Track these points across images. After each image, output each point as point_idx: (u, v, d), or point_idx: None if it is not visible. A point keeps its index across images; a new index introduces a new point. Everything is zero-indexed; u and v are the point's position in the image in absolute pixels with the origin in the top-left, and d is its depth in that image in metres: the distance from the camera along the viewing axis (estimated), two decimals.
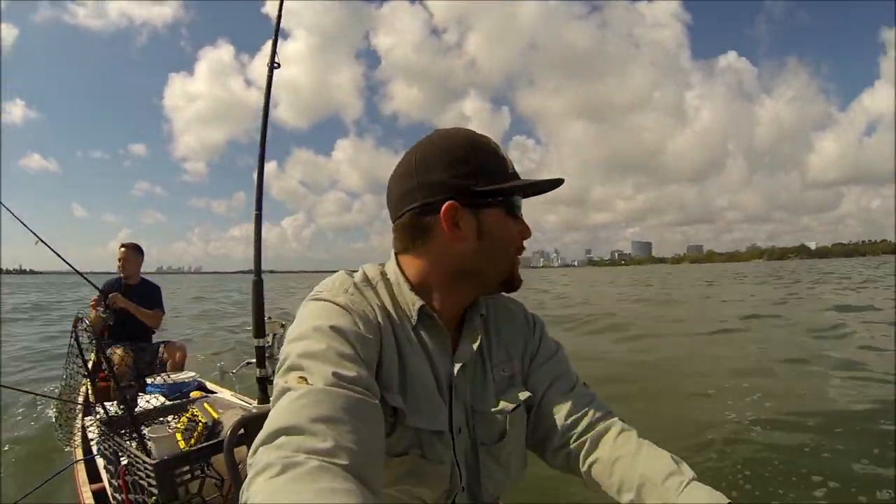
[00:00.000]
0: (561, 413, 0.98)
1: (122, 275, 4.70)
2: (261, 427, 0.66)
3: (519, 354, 1.05)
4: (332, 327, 0.79)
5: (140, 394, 3.19)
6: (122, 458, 2.03)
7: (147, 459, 1.75)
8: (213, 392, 3.46)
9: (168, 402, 2.61)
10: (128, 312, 4.45)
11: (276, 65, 2.50)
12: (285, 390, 0.70)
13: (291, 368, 0.74)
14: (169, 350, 4.54)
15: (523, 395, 1.00)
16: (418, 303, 0.92)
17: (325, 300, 0.87)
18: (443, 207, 0.89)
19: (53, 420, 3.53)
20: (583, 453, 0.95)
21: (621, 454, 0.90)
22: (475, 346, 0.98)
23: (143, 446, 1.89)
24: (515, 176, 0.95)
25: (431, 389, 0.91)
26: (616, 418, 0.98)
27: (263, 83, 2.44)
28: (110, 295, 4.35)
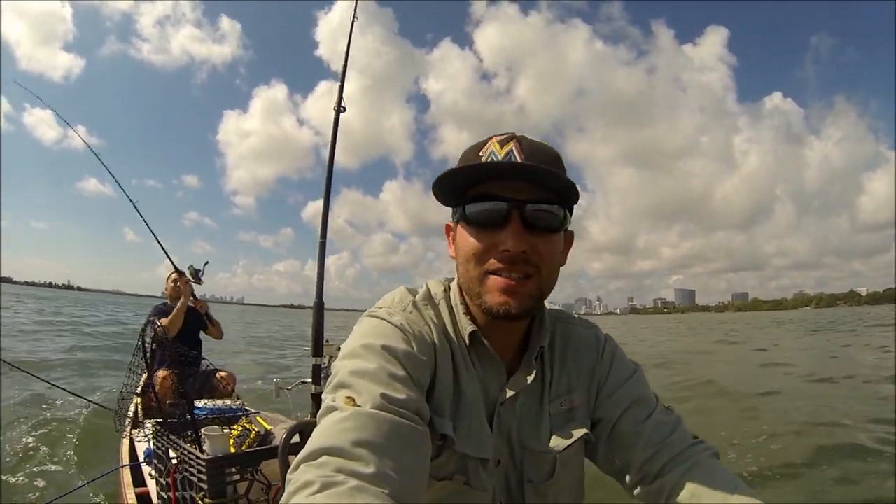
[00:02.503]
0: (636, 444, 0.88)
1: (168, 300, 4.86)
2: None
3: (584, 386, 0.96)
4: (384, 347, 0.77)
5: (187, 416, 3.26)
6: (172, 459, 2.10)
7: (200, 455, 1.80)
8: (246, 411, 3.45)
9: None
10: (177, 339, 4.57)
11: (342, 108, 2.66)
12: (332, 409, 0.70)
13: (340, 386, 0.73)
14: (218, 377, 4.61)
15: (578, 433, 0.92)
16: (469, 328, 0.89)
17: (380, 318, 0.85)
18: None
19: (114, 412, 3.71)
20: (664, 490, 0.84)
21: (703, 493, 0.80)
22: (530, 378, 0.91)
23: (197, 444, 1.94)
24: (484, 171, 0.82)
25: (481, 416, 0.88)
26: (701, 449, 0.87)
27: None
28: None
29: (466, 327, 0.89)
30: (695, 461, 0.84)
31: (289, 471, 0.63)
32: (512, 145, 0.82)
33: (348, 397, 0.70)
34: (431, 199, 0.87)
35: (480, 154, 0.84)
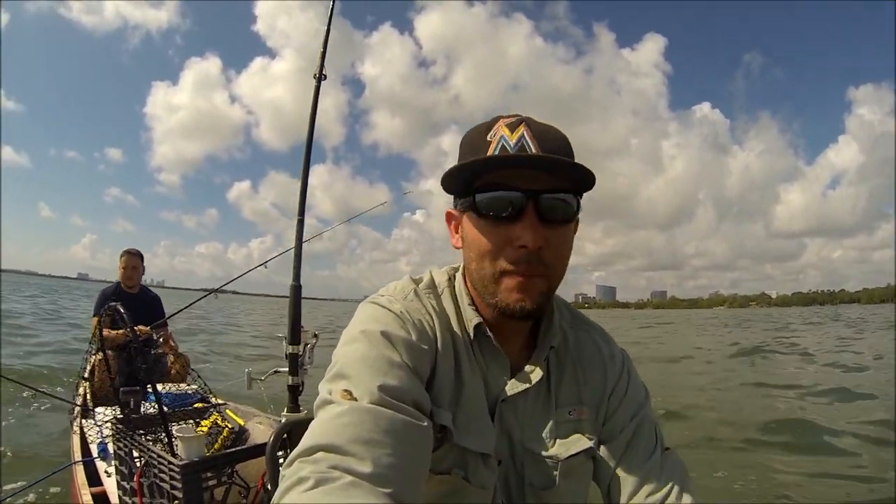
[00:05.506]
0: (627, 487, 0.83)
1: (123, 283, 4.40)
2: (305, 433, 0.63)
3: (594, 402, 0.89)
4: (384, 334, 0.73)
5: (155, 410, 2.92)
6: (136, 460, 1.83)
7: (174, 460, 1.55)
8: (209, 402, 3.10)
9: (194, 406, 2.42)
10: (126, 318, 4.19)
11: (323, 76, 2.48)
12: (328, 402, 0.66)
13: (338, 376, 0.69)
14: (171, 360, 4.24)
15: (582, 445, 0.85)
16: (475, 320, 0.82)
17: (381, 305, 0.80)
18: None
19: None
20: None
21: None
22: (535, 378, 0.84)
23: (168, 447, 1.69)
24: (495, 162, 0.74)
25: (483, 410, 0.82)
26: None
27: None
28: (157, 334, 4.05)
29: (472, 319, 0.82)
30: None
31: (283, 466, 0.60)
32: (522, 130, 0.74)
33: (345, 390, 0.65)
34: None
35: (489, 139, 0.75)
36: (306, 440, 0.61)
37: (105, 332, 3.33)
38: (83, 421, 3.38)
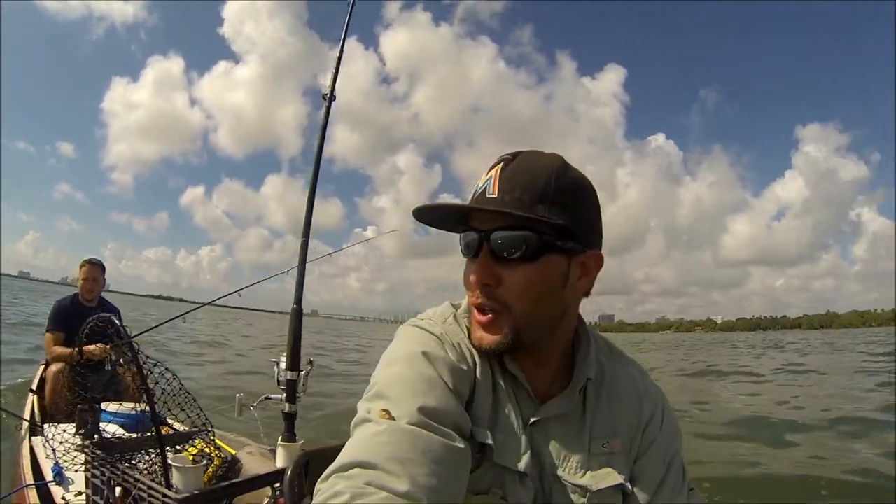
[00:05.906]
0: None
1: (81, 295, 4.10)
2: (324, 464, 0.63)
3: (628, 436, 0.88)
4: (426, 355, 0.75)
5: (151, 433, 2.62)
6: (115, 487, 1.65)
7: (170, 493, 1.40)
8: (175, 429, 2.93)
9: (178, 431, 2.22)
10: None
11: (333, 97, 2.41)
12: (366, 420, 0.67)
13: (378, 396, 0.70)
14: (128, 375, 3.91)
15: (613, 480, 0.83)
16: None
17: (421, 328, 0.83)
18: None
19: None
20: None
21: None
22: (565, 407, 0.84)
23: (164, 477, 1.52)
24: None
25: (519, 430, 0.82)
26: None
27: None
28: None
29: None
30: None
31: (318, 481, 0.61)
32: (493, 173, 0.78)
33: (384, 410, 0.67)
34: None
35: (478, 183, 0.82)
36: (343, 457, 0.62)
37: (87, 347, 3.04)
38: (34, 439, 3.09)
